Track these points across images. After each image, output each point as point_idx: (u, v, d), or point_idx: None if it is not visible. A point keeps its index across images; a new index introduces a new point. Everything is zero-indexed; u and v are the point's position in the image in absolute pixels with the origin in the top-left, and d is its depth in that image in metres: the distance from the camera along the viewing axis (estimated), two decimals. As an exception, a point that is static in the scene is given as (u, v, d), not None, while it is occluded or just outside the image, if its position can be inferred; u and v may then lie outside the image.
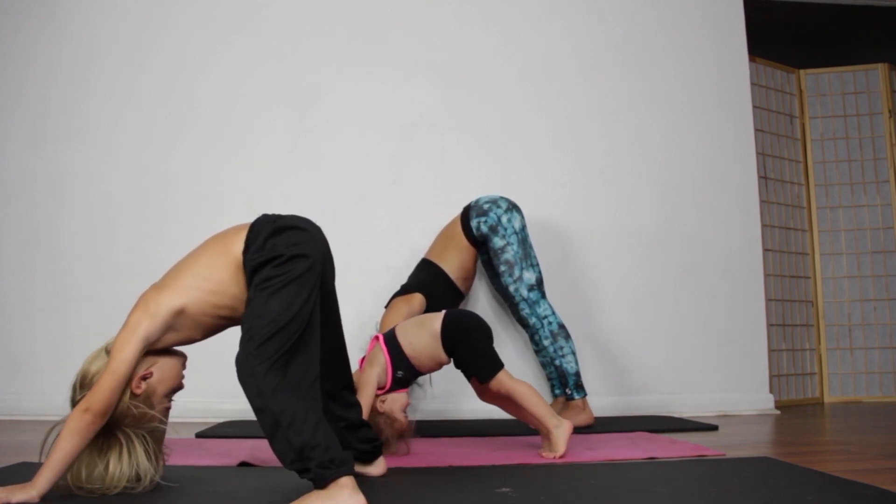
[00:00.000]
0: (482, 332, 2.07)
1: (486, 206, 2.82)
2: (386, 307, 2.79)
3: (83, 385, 1.41)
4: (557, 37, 3.46)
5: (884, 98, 4.05)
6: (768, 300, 3.58)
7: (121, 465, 1.39)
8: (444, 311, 2.09)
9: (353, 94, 3.33)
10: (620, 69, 3.47)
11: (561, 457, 1.96)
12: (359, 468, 1.64)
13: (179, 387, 1.52)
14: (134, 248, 3.15)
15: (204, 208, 3.17)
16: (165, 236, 3.11)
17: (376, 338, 2.07)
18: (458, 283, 2.85)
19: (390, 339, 2.04)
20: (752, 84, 3.66)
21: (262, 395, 1.27)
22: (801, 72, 4.15)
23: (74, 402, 1.41)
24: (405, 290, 2.77)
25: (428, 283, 2.79)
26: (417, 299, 2.72)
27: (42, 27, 3.31)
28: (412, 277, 2.85)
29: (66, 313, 3.12)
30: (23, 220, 3.20)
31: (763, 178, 3.78)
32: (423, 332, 2.04)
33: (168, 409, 1.53)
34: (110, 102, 3.26)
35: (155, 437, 1.46)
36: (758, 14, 3.90)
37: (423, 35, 3.40)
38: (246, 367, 1.29)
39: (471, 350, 2.03)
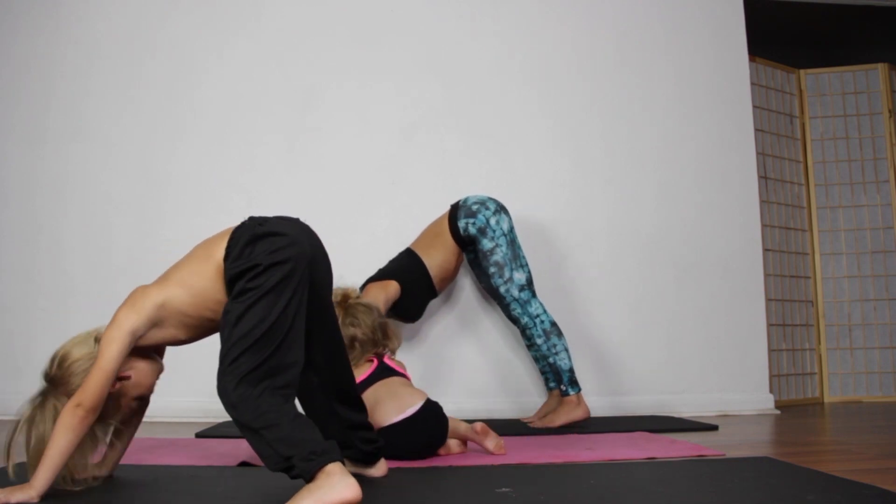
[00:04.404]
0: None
1: (474, 208, 2.82)
2: (361, 289, 2.79)
3: (61, 366, 1.44)
4: (557, 36, 3.46)
5: (884, 98, 4.05)
6: (768, 300, 3.58)
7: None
8: (424, 402, 2.00)
9: (353, 94, 3.33)
10: (620, 69, 3.47)
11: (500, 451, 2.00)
12: (360, 470, 1.65)
13: (149, 393, 1.56)
14: (134, 248, 3.15)
15: (204, 208, 3.18)
16: (165, 236, 3.11)
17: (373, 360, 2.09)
18: (435, 281, 2.86)
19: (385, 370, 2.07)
20: (752, 84, 3.66)
21: (235, 407, 1.29)
22: (801, 72, 4.15)
23: (48, 377, 1.46)
24: (382, 276, 2.77)
25: (406, 272, 2.80)
26: (393, 287, 2.73)
27: (42, 27, 3.31)
28: (392, 263, 2.86)
29: (66, 313, 3.12)
30: (23, 220, 3.20)
31: (763, 178, 3.78)
32: (393, 401, 1.97)
33: (133, 409, 1.56)
34: (110, 102, 3.27)
35: (116, 432, 1.53)
36: (758, 14, 3.90)
37: (423, 35, 3.40)
38: (219, 385, 1.31)
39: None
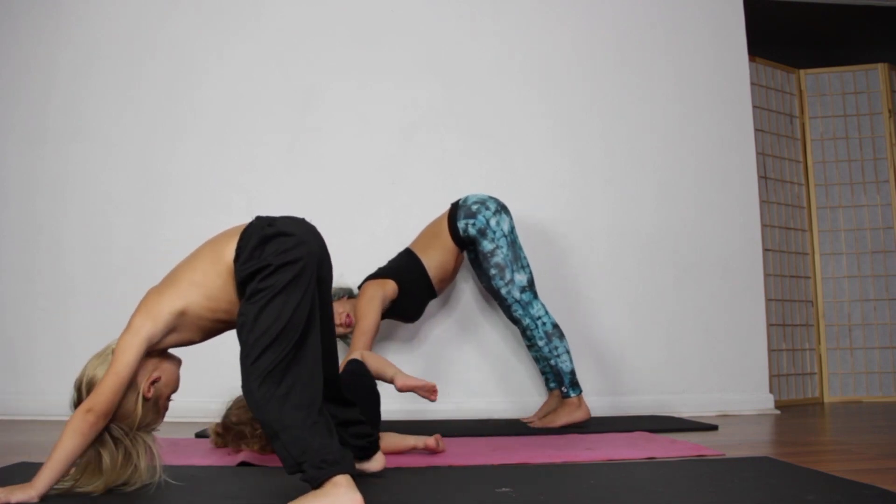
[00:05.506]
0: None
1: (474, 208, 2.79)
2: (359, 287, 2.79)
3: (90, 391, 1.42)
4: (557, 36, 3.46)
5: (884, 98, 4.05)
6: (768, 300, 3.58)
7: (140, 467, 1.45)
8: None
9: (353, 93, 3.33)
10: (620, 69, 3.47)
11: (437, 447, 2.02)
12: (356, 465, 1.64)
13: (177, 389, 1.56)
14: (133, 248, 3.15)
15: (204, 208, 3.18)
16: (165, 236, 3.11)
17: None
18: (434, 282, 2.84)
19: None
20: (752, 84, 3.67)
21: (260, 408, 1.30)
22: (801, 72, 4.15)
23: (77, 406, 1.42)
24: (380, 275, 2.77)
25: (404, 272, 2.79)
26: (391, 286, 2.72)
27: (42, 27, 3.31)
28: (391, 263, 2.86)
29: (66, 313, 3.12)
30: (23, 220, 3.20)
31: (763, 178, 3.78)
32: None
33: (167, 410, 1.55)
34: (110, 102, 3.26)
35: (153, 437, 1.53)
36: (758, 14, 3.90)
37: (422, 35, 3.40)
38: (245, 385, 1.32)
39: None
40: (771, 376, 3.44)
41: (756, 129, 3.63)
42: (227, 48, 3.33)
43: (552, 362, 2.75)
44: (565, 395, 2.73)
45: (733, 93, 3.53)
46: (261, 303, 1.35)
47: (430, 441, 2.03)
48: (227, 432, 2.07)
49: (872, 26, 4.94)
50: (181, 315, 1.44)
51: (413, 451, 2.04)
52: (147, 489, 1.46)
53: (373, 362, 2.05)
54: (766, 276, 3.59)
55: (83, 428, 1.35)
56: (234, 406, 2.07)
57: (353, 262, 2.86)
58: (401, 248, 2.94)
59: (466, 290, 3.25)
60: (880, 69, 4.09)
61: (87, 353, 1.51)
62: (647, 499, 1.47)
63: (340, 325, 2.70)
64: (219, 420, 2.11)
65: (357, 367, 2.03)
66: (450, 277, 2.94)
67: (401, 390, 2.00)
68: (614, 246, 3.35)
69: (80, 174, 3.22)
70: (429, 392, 1.98)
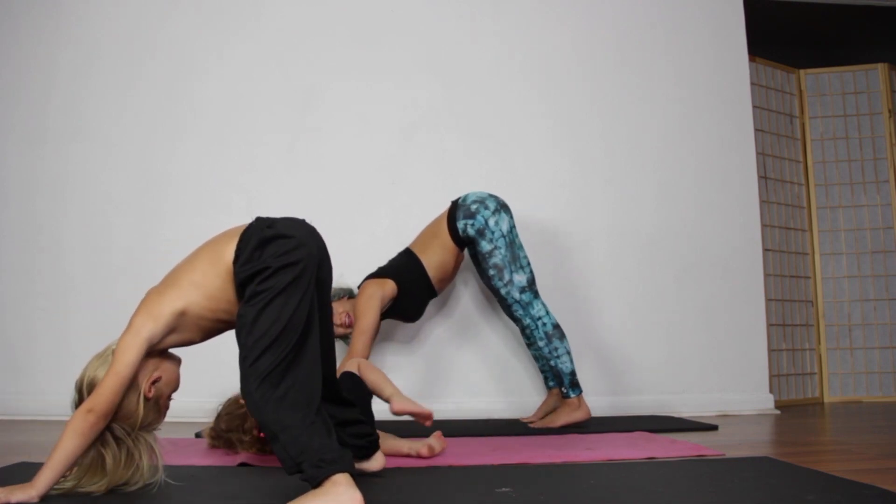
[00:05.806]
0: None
1: (473, 207, 2.77)
2: (359, 287, 2.79)
3: (91, 391, 1.42)
4: (557, 36, 3.46)
5: (884, 98, 4.05)
6: (768, 300, 3.58)
7: (142, 467, 1.46)
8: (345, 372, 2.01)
9: (353, 94, 3.33)
10: (620, 69, 3.47)
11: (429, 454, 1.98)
12: (356, 464, 1.64)
13: (178, 388, 1.56)
14: (133, 248, 3.15)
15: (204, 208, 3.18)
16: (165, 236, 3.11)
17: None
18: (434, 282, 2.83)
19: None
20: (752, 84, 3.67)
21: (258, 409, 1.31)
22: (801, 72, 4.15)
23: (78, 407, 1.43)
24: (380, 274, 2.77)
25: (404, 272, 2.78)
26: (390, 285, 2.72)
27: (42, 27, 3.31)
28: (391, 263, 2.85)
29: (66, 313, 3.12)
30: (23, 220, 3.20)
31: (763, 178, 3.78)
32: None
33: (167, 409, 1.55)
34: (110, 102, 3.26)
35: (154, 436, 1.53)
36: (758, 14, 3.90)
37: (422, 35, 3.40)
38: (244, 387, 1.33)
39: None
40: (771, 376, 3.44)
41: (756, 129, 3.63)
42: (227, 48, 3.33)
43: (552, 363, 2.74)
44: (565, 396, 2.73)
45: (733, 93, 3.53)
46: (260, 305, 1.36)
47: (423, 450, 1.99)
48: (218, 438, 2.08)
49: (872, 26, 4.94)
50: (182, 315, 1.44)
51: (407, 457, 2.03)
52: (148, 489, 1.46)
53: (370, 376, 1.99)
54: (766, 276, 3.59)
55: (83, 428, 1.36)
56: (224, 412, 2.07)
57: (353, 262, 2.86)
58: (401, 248, 2.94)
59: (466, 290, 3.25)
60: (880, 69, 4.09)
61: (87, 353, 1.51)
62: (647, 499, 1.47)
63: (340, 325, 2.70)
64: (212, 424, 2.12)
65: (350, 385, 1.94)
66: (450, 277, 2.93)
67: (396, 413, 1.91)
68: (614, 246, 3.35)
69: (80, 174, 3.22)
70: (424, 418, 1.90)
